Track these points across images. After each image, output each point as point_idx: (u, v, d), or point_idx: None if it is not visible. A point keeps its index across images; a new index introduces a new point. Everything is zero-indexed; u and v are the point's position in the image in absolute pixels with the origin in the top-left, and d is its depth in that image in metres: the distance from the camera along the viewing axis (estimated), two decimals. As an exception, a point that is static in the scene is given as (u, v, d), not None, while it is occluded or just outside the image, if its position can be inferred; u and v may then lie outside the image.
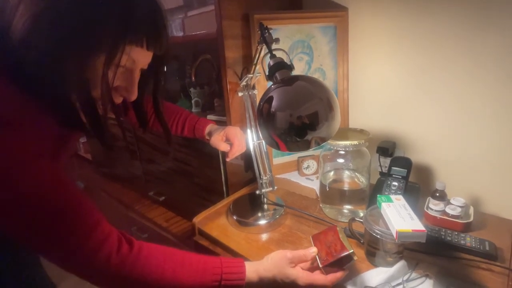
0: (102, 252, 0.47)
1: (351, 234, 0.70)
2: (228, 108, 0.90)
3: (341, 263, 0.56)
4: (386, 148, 0.86)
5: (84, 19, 0.41)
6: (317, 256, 0.58)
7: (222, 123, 0.92)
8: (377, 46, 0.92)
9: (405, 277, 0.59)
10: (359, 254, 0.67)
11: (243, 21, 0.87)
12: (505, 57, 0.73)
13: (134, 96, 0.51)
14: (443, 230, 0.71)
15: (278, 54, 0.61)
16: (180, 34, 1.04)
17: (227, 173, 0.97)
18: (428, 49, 0.83)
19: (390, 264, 0.62)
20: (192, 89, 1.17)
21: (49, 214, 0.43)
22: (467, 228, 0.72)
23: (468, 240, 0.67)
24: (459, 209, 0.73)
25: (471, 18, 0.75)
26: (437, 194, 0.76)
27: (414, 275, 0.60)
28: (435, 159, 0.89)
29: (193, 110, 1.15)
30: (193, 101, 1.15)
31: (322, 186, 0.84)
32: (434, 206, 0.76)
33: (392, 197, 0.66)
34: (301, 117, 0.51)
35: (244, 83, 0.82)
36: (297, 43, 0.93)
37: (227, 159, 0.80)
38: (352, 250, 0.55)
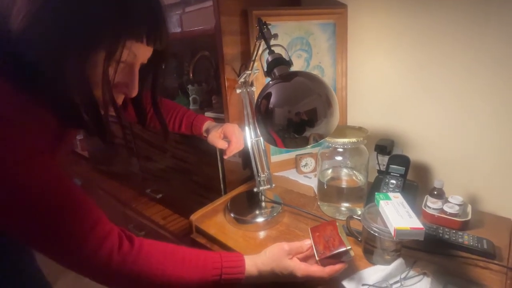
0: (103, 250, 0.46)
1: (349, 232, 0.69)
2: (226, 105, 0.89)
3: (338, 258, 0.56)
4: (384, 146, 0.86)
5: (83, 14, 0.40)
6: (314, 249, 0.58)
7: (220, 120, 0.91)
8: (376, 43, 0.91)
9: (403, 275, 0.58)
10: (357, 252, 0.67)
11: (241, 17, 0.86)
12: (504, 54, 0.72)
13: (135, 92, 0.51)
14: (441, 228, 0.70)
15: (277, 50, 0.61)
16: (178, 30, 1.03)
17: (225, 170, 0.96)
18: (427, 46, 0.82)
19: (388, 262, 0.61)
20: (190, 86, 1.16)
21: (48, 212, 0.42)
22: (465, 226, 0.72)
23: (466, 238, 0.67)
24: (457, 207, 0.73)
25: (470, 14, 0.74)
26: (435, 192, 0.76)
27: (411, 273, 0.59)
28: (434, 157, 0.89)
29: (191, 107, 1.15)
30: (191, 98, 1.15)
31: (320, 184, 0.83)
32: (432, 204, 0.75)
33: (390, 195, 0.66)
34: (299, 113, 0.51)
35: (242, 80, 0.81)
36: (296, 40, 0.92)
37: (225, 157, 0.80)
38: (350, 247, 0.55)
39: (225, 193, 0.98)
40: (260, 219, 0.79)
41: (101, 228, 0.47)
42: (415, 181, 0.86)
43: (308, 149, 0.98)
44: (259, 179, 0.84)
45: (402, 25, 0.85)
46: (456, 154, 0.85)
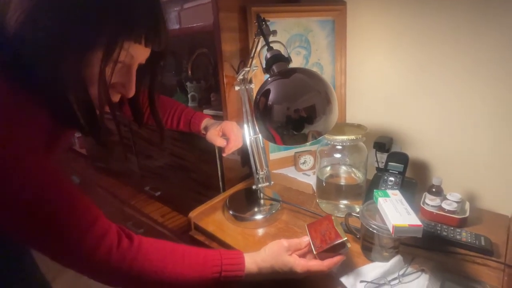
0: (102, 248, 0.46)
1: (348, 229, 0.69)
2: (225, 102, 0.89)
3: (335, 250, 0.56)
4: (383, 143, 0.86)
5: (80, 13, 0.40)
6: (311, 244, 0.59)
7: (219, 118, 0.91)
8: (375, 41, 0.91)
9: (401, 272, 0.59)
10: (355, 249, 0.67)
11: (240, 13, 0.85)
12: (503, 54, 0.72)
13: (132, 92, 0.50)
14: (439, 225, 0.71)
15: (276, 46, 0.61)
16: (176, 27, 1.03)
17: (224, 168, 0.96)
18: (427, 45, 0.82)
19: (386, 259, 0.62)
20: (188, 84, 1.15)
21: (46, 210, 0.42)
22: (463, 223, 0.72)
23: (464, 235, 0.67)
24: (455, 205, 0.73)
25: (470, 15, 0.74)
26: (434, 190, 0.76)
27: (410, 269, 0.60)
28: (432, 155, 0.89)
29: (190, 104, 1.14)
30: (189, 96, 1.14)
31: (319, 181, 0.83)
32: (430, 202, 0.76)
33: (389, 192, 0.66)
34: (298, 110, 0.50)
35: (241, 77, 0.81)
36: (295, 37, 0.92)
37: (224, 154, 0.80)
38: (345, 238, 0.55)
39: (224, 190, 0.98)
40: (258, 217, 0.79)
41: (100, 226, 0.47)
42: (414, 179, 0.86)
43: (306, 147, 0.98)
44: (257, 177, 0.84)
45: (401, 24, 0.85)
46: (454, 152, 0.85)
